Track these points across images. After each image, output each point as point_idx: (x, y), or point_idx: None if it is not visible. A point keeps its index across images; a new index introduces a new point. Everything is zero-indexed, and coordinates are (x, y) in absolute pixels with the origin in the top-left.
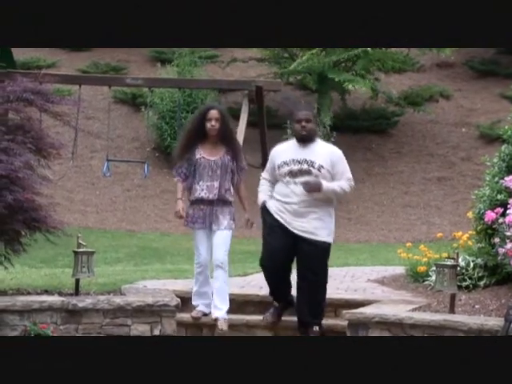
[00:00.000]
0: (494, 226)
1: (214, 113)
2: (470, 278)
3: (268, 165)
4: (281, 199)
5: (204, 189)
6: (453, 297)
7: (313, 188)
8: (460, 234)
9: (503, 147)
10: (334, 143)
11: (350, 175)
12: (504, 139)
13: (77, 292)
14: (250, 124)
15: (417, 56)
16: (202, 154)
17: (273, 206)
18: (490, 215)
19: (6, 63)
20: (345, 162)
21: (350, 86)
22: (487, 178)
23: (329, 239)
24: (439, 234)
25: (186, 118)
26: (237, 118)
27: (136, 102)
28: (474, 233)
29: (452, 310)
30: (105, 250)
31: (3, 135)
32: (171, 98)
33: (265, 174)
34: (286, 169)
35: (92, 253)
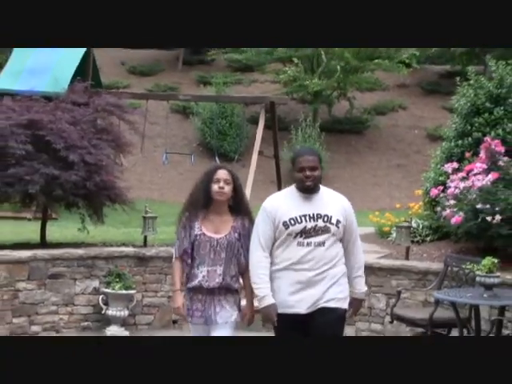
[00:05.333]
0: (436, 199)
1: (222, 173)
2: (420, 235)
3: (260, 224)
4: (290, 266)
5: (205, 275)
6: (407, 248)
7: (358, 309)
8: (413, 204)
9: (443, 144)
10: (323, 142)
11: (358, 233)
12: (443, 138)
13: (145, 244)
14: (265, 127)
15: (383, 79)
16: (202, 229)
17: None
18: (434, 191)
19: (95, 83)
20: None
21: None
22: (432, 165)
23: (346, 305)
24: (398, 205)
25: (221, 123)
26: (256, 122)
27: (186, 112)
28: (423, 204)
29: (407, 258)
30: (164, 215)
31: (93, 135)
32: (210, 109)
33: (257, 245)
34: (297, 227)
35: (155, 217)
